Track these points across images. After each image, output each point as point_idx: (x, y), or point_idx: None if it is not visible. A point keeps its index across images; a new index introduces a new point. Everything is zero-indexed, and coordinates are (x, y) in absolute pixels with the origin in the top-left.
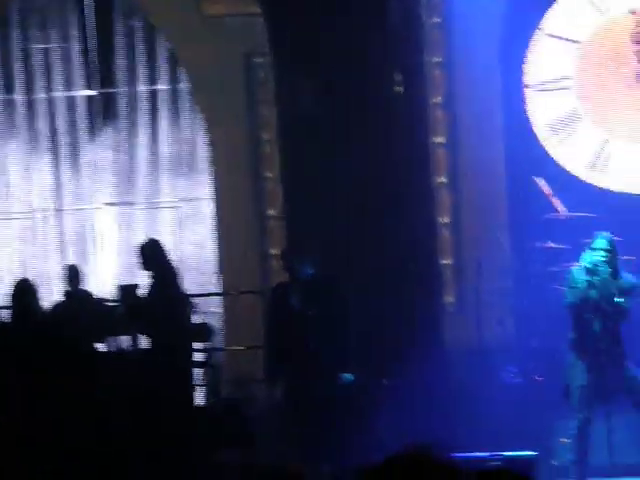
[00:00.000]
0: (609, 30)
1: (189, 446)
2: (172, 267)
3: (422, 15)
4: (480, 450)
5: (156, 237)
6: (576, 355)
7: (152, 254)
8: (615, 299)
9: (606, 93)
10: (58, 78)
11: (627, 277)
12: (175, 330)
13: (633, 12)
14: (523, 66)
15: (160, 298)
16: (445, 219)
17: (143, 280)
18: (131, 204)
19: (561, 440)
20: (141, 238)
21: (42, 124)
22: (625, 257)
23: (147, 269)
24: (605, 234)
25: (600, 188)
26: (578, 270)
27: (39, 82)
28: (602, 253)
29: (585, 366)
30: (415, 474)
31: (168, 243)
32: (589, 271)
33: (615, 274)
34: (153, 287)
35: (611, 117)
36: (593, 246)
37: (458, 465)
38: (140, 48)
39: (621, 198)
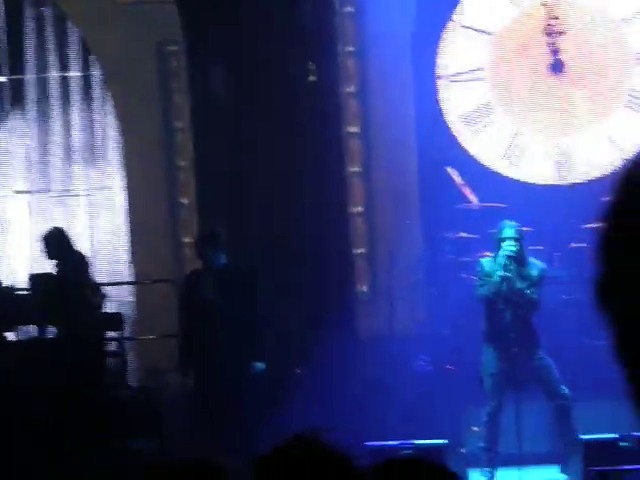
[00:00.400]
0: (522, 22)
1: (100, 435)
2: (77, 256)
3: (335, 4)
4: (391, 439)
5: (64, 226)
6: (488, 344)
7: (56, 243)
8: (526, 291)
9: (519, 85)
10: None
11: (535, 265)
12: (84, 319)
13: (545, 4)
14: (436, 57)
15: (66, 287)
16: (358, 208)
17: (53, 269)
18: (42, 192)
19: (472, 428)
20: (52, 226)
21: None
22: (534, 247)
23: (52, 258)
24: (512, 223)
25: (512, 179)
26: (487, 261)
27: None
28: (512, 243)
29: (496, 355)
30: (304, 462)
31: (80, 232)
32: (501, 263)
33: (523, 262)
34: (59, 276)
35: (524, 109)
36: (502, 236)
37: (348, 452)
38: (51, 35)
39: (532, 189)
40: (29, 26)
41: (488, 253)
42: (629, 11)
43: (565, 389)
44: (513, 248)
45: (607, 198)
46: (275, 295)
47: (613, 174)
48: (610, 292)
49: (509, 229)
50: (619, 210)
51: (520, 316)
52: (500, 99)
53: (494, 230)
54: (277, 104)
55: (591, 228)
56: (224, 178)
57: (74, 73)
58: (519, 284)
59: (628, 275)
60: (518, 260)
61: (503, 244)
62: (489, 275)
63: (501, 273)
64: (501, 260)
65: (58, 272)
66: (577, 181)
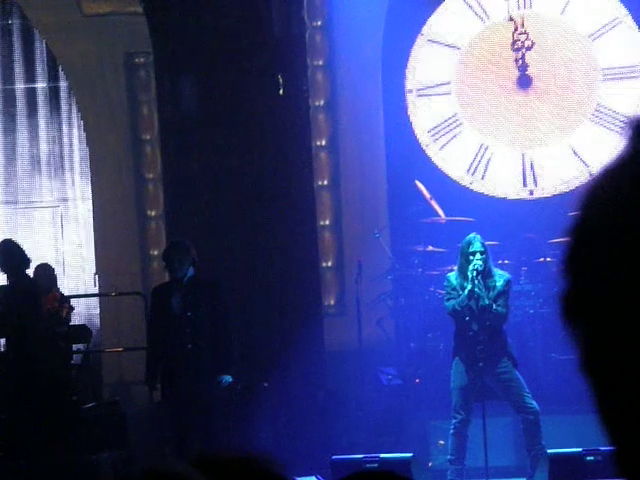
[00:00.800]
0: (489, 37)
1: (66, 447)
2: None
3: (305, 18)
4: (357, 452)
5: (29, 237)
6: (457, 357)
7: (7, 255)
8: (492, 304)
9: (486, 99)
10: None
11: (501, 275)
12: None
13: (512, 19)
14: (405, 70)
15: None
16: (326, 221)
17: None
18: (8, 203)
19: (438, 442)
20: (19, 237)
21: None
22: (500, 261)
23: (3, 271)
24: (477, 236)
25: (478, 192)
26: (454, 275)
27: None
28: (479, 257)
29: (465, 368)
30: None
31: (46, 243)
32: (469, 277)
33: (489, 274)
34: (12, 289)
35: (491, 123)
36: (470, 250)
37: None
38: (18, 46)
39: (498, 203)
40: None
41: (456, 266)
42: (595, 27)
43: (533, 402)
44: (480, 262)
45: (574, 212)
46: (242, 308)
47: (579, 188)
48: (577, 307)
49: (477, 243)
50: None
51: (487, 329)
52: (467, 113)
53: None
54: (246, 116)
55: (557, 243)
56: (192, 190)
57: (41, 84)
58: (485, 297)
59: (596, 290)
60: (484, 273)
61: (471, 258)
62: (456, 289)
63: (469, 287)
64: (470, 274)
65: (10, 285)
66: (543, 195)
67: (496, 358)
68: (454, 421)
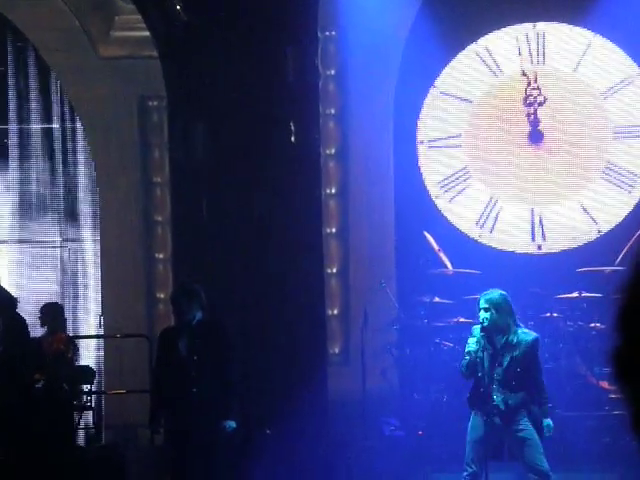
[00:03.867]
0: (502, 91)
1: None
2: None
3: (318, 66)
4: None
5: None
6: (472, 411)
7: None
8: (504, 362)
9: (497, 152)
10: None
11: (526, 335)
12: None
13: (525, 74)
14: (417, 122)
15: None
16: (333, 269)
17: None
18: (18, 242)
19: None
20: (26, 276)
21: None
22: None
23: None
24: (489, 292)
25: (487, 246)
26: (475, 328)
27: None
28: (482, 313)
29: (479, 422)
30: None
31: (54, 283)
32: (475, 335)
33: (502, 331)
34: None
35: (501, 176)
36: (479, 306)
37: None
38: (33, 86)
39: (506, 256)
40: (11, 77)
41: (462, 319)
42: (608, 84)
43: (544, 464)
44: (483, 318)
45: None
46: (247, 352)
47: (587, 244)
48: (629, 365)
49: (482, 299)
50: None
51: (503, 386)
52: (477, 166)
53: (468, 296)
54: (257, 163)
55: (564, 298)
56: (201, 234)
57: (55, 125)
58: (496, 354)
59: None
60: (492, 329)
61: (479, 314)
62: (471, 342)
63: (471, 344)
64: (475, 332)
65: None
66: (551, 250)
67: (512, 415)
68: (465, 474)
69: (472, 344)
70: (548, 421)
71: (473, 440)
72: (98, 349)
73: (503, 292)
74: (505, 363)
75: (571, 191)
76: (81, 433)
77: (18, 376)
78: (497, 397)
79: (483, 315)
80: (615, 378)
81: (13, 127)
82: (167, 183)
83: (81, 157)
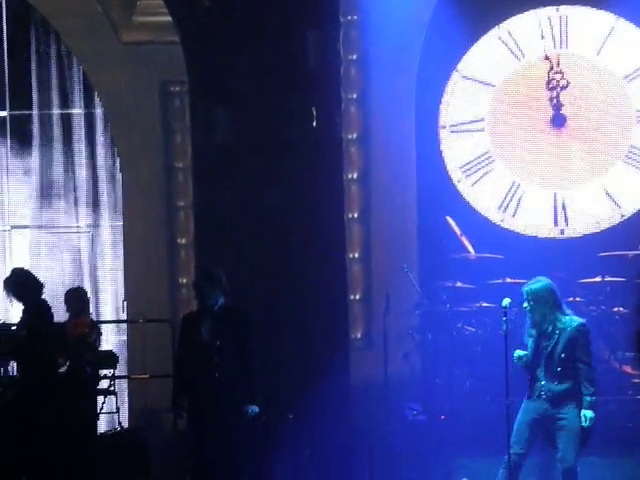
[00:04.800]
0: (524, 75)
1: (92, 475)
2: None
3: (340, 51)
4: None
5: (62, 260)
6: (526, 394)
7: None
8: (548, 348)
9: (519, 137)
10: None
11: (572, 321)
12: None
13: (547, 58)
14: (439, 106)
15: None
16: (355, 254)
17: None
18: (41, 227)
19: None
20: (49, 261)
21: None
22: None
23: (20, 300)
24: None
25: (510, 230)
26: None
27: None
28: (524, 304)
29: (529, 406)
30: None
31: (79, 268)
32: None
33: (546, 319)
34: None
35: (523, 161)
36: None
37: None
38: (55, 72)
39: (529, 240)
40: (34, 63)
41: (485, 303)
42: (631, 68)
43: (571, 459)
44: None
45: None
46: (268, 338)
47: (610, 228)
48: None
49: (523, 289)
50: None
51: (554, 375)
52: (499, 150)
53: (491, 281)
54: (279, 147)
55: (587, 282)
56: (223, 219)
57: (77, 110)
58: (541, 342)
59: None
60: (534, 319)
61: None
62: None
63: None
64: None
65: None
66: (574, 235)
67: (558, 402)
68: (509, 453)
69: (526, 335)
70: (586, 412)
71: (520, 422)
72: (121, 334)
73: (545, 281)
74: (549, 350)
75: (594, 175)
76: (104, 417)
77: (42, 360)
78: (544, 384)
79: (524, 306)
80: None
81: (35, 113)
82: (189, 168)
83: (103, 143)
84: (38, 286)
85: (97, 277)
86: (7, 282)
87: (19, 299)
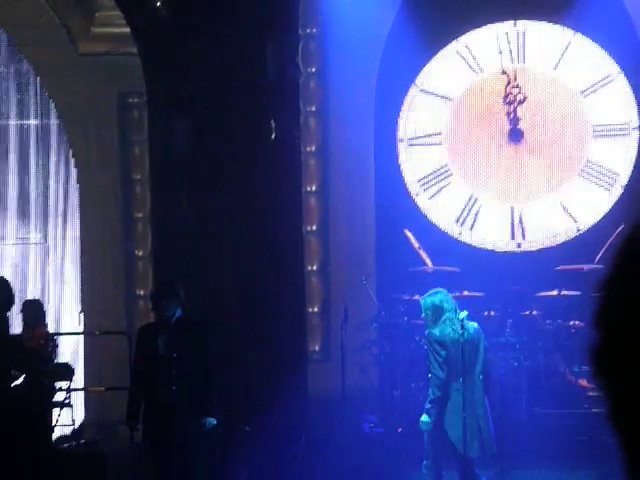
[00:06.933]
0: (482, 89)
1: None
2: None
3: (299, 64)
4: None
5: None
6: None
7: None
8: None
9: (476, 151)
10: None
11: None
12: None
13: (505, 73)
14: (398, 120)
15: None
16: (313, 266)
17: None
18: (1, 239)
19: None
20: (5, 273)
21: None
22: (486, 312)
23: None
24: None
25: (467, 243)
26: None
27: None
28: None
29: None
30: None
31: (32, 280)
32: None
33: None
34: None
35: (480, 174)
36: None
37: None
38: (12, 82)
39: (485, 254)
40: None
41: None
42: (587, 83)
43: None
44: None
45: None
46: (226, 350)
47: (566, 242)
48: (606, 360)
49: None
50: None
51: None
52: (457, 164)
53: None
54: (237, 160)
55: (543, 296)
56: (181, 231)
57: (34, 121)
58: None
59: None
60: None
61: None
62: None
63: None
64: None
65: None
66: (531, 248)
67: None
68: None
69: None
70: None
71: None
72: (77, 346)
73: (435, 292)
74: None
75: (550, 189)
76: (60, 430)
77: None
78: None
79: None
80: (594, 374)
81: None
82: (147, 180)
83: (60, 154)
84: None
85: (54, 289)
86: None
87: None
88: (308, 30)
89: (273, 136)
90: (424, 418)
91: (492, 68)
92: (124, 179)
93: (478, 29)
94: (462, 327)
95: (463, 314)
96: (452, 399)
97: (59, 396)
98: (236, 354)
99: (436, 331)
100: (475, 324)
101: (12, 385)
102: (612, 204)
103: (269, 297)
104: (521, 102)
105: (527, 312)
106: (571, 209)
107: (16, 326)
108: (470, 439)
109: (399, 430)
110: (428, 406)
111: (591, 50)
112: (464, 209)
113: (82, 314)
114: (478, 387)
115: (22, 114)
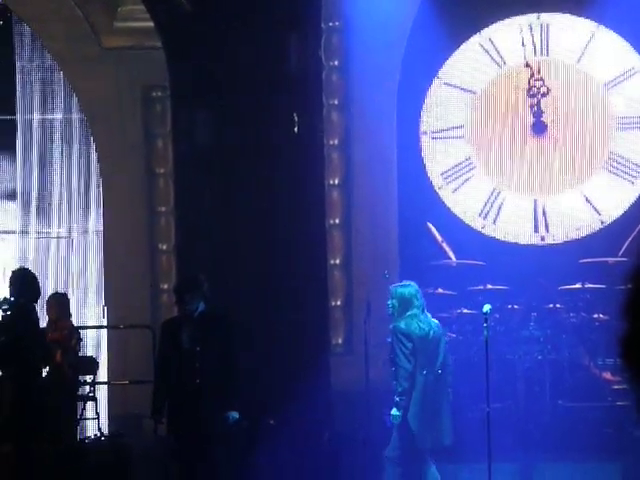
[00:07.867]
0: (505, 82)
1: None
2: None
3: (322, 57)
4: None
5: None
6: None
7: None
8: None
9: (500, 144)
10: None
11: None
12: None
13: (528, 65)
14: (421, 113)
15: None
16: (336, 260)
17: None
18: (22, 233)
19: None
20: (30, 267)
21: None
22: (510, 306)
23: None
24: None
25: (491, 237)
26: None
27: None
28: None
29: None
30: None
31: (57, 273)
32: None
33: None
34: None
35: (504, 167)
36: None
37: None
38: (37, 77)
39: (509, 247)
40: (16, 67)
41: (465, 310)
42: (611, 76)
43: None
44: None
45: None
46: (250, 344)
47: (590, 235)
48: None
49: None
50: None
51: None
52: (480, 157)
53: (471, 287)
54: (260, 153)
55: (567, 289)
56: (204, 225)
57: (58, 116)
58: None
59: None
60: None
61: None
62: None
63: None
64: None
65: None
66: (554, 242)
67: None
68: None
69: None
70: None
71: None
72: (101, 339)
73: (407, 285)
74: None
75: (574, 182)
76: (84, 423)
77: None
78: None
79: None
80: (622, 365)
81: (17, 118)
82: (171, 174)
83: (84, 148)
84: (35, 291)
85: (78, 283)
86: (13, 275)
87: (15, 295)
88: (331, 23)
89: (296, 129)
90: (394, 412)
91: (515, 61)
92: (148, 173)
93: (501, 22)
94: (428, 324)
95: (487, 308)
96: (416, 390)
97: (83, 389)
98: (259, 348)
99: (402, 324)
100: (436, 321)
101: (37, 377)
102: (636, 197)
103: (292, 290)
104: (544, 95)
105: (551, 305)
106: (595, 202)
107: (41, 320)
108: (424, 430)
109: None
110: (397, 399)
111: (615, 42)
112: (487, 202)
113: (106, 308)
114: (439, 380)
115: (45, 108)
